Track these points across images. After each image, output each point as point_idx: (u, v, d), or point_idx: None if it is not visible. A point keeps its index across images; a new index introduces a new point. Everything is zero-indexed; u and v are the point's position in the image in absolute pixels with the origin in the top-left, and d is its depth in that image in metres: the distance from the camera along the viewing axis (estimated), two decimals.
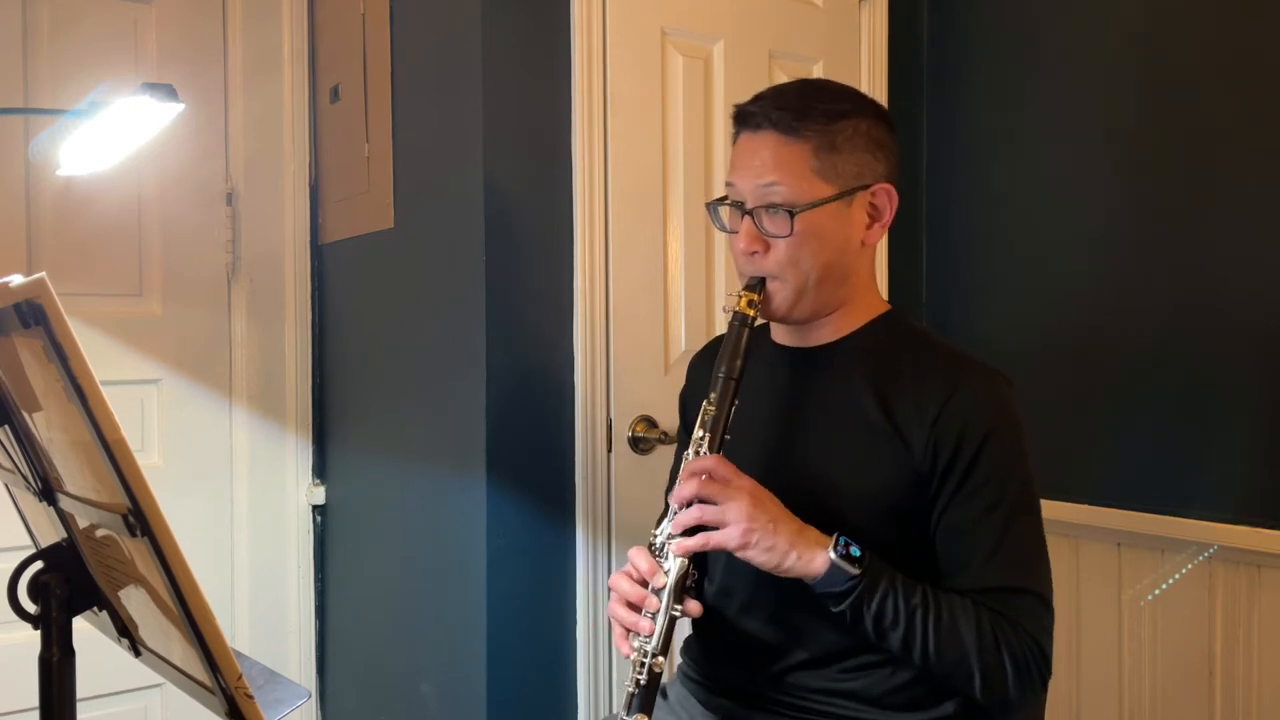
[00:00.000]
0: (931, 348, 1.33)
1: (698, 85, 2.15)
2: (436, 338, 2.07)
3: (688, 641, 1.47)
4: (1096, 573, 2.17)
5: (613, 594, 1.26)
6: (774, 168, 1.25)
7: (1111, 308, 2.18)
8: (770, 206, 1.25)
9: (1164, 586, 2.07)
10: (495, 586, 1.91)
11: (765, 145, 1.26)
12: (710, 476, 1.21)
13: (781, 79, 2.25)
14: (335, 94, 2.36)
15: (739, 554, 1.19)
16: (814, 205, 1.24)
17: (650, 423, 2.06)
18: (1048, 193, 2.30)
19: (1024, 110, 2.35)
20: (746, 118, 1.29)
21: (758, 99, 1.30)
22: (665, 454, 2.02)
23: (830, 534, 1.20)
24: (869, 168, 1.28)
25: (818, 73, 2.33)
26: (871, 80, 2.42)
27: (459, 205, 1.97)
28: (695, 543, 1.20)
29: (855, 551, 1.18)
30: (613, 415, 2.02)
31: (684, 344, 2.12)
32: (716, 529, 1.19)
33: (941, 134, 2.52)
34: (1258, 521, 1.93)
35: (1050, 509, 2.14)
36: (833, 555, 1.17)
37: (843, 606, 1.18)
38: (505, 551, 1.92)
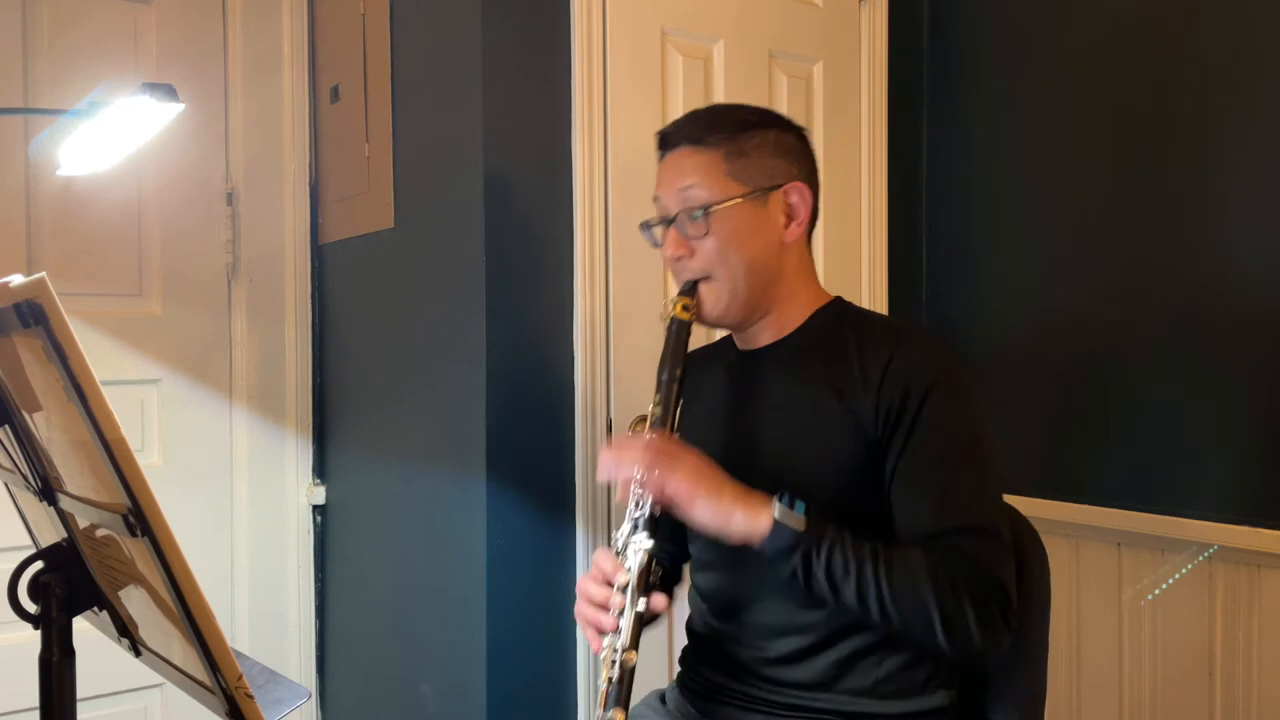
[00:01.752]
0: (873, 324, 1.38)
1: (698, 85, 2.15)
2: (436, 338, 2.07)
3: (684, 649, 1.48)
4: (1096, 573, 2.17)
5: (579, 597, 1.29)
6: (690, 172, 1.35)
7: (1111, 307, 2.18)
8: (690, 211, 1.33)
9: (1164, 586, 2.07)
10: (495, 586, 1.91)
11: (682, 157, 1.37)
12: (656, 448, 1.24)
13: (781, 79, 2.26)
14: (335, 94, 2.36)
15: (686, 510, 1.22)
16: (727, 201, 1.32)
17: None
18: (1047, 192, 2.30)
19: (1023, 110, 2.35)
20: (664, 140, 1.40)
21: (674, 123, 1.41)
22: None
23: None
24: (780, 170, 1.37)
25: (818, 73, 2.33)
26: (871, 80, 2.42)
27: (459, 205, 1.97)
28: (652, 505, 1.22)
29: (799, 509, 1.20)
30: (613, 415, 2.02)
31: None
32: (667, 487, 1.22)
33: (941, 134, 2.52)
34: (1258, 521, 1.93)
35: (1050, 509, 2.17)
36: (776, 513, 1.19)
37: (793, 563, 1.19)
38: (505, 551, 1.92)
